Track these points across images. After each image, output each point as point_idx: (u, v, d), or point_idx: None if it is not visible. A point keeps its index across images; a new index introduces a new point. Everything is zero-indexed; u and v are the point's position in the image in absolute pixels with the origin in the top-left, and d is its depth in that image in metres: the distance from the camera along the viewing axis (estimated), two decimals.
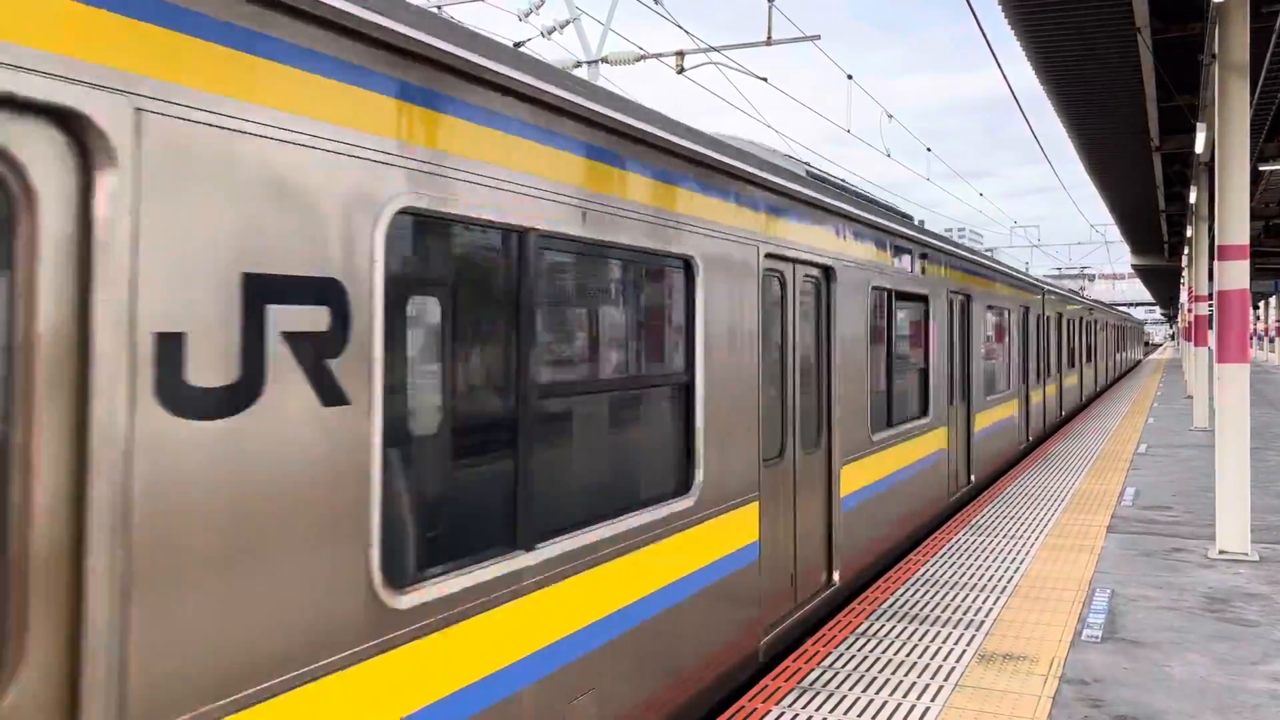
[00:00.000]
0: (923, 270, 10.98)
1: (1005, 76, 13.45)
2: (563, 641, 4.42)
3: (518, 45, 15.36)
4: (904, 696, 5.95)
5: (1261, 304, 77.27)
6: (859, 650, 6.81)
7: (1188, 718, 5.62)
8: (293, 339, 3.07)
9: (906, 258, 10.37)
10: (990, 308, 14.71)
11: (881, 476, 9.26)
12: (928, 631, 7.21)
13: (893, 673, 6.36)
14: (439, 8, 13.67)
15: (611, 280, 5.16)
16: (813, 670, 6.41)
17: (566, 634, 4.45)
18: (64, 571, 2.49)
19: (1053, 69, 16.72)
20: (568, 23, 15.62)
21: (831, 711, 5.74)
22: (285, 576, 3.04)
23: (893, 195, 24.67)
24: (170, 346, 2.69)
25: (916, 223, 11.22)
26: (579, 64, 15.62)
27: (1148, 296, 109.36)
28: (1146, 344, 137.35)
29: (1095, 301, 32.56)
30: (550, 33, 15.47)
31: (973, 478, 13.40)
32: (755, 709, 5.76)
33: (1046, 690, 6.03)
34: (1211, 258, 16.55)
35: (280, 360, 3.03)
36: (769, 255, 6.75)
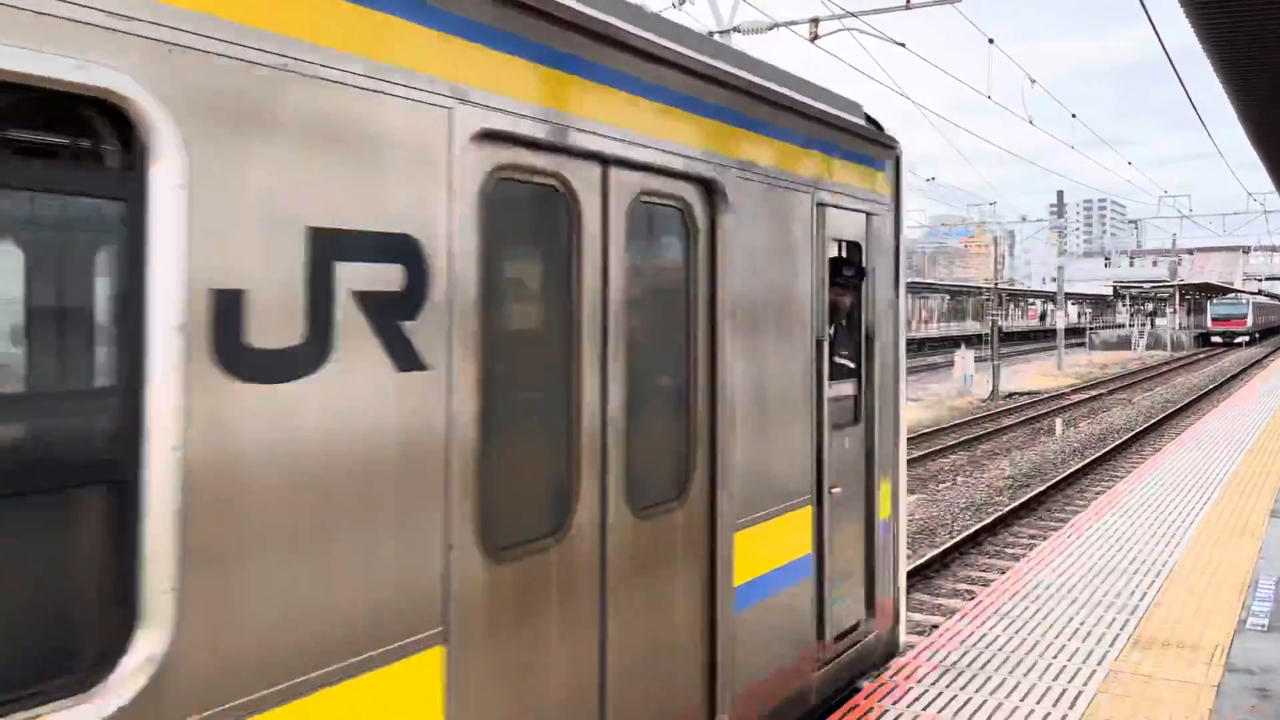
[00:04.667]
0: None
1: (1159, 35, 12.72)
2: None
3: None
4: (1054, 680, 5.73)
5: None
6: (1003, 630, 6.60)
7: None
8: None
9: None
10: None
11: None
12: (1076, 615, 6.93)
13: (1040, 655, 6.14)
14: None
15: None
16: (953, 650, 6.24)
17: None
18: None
19: (1213, 27, 15.72)
20: None
21: (977, 691, 5.57)
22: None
23: (1033, 165, 23.81)
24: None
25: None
26: (710, 33, 15.47)
27: None
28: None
29: None
30: (682, 3, 15.36)
31: None
32: (896, 685, 5.64)
33: (1210, 679, 5.72)
34: None
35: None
36: None
